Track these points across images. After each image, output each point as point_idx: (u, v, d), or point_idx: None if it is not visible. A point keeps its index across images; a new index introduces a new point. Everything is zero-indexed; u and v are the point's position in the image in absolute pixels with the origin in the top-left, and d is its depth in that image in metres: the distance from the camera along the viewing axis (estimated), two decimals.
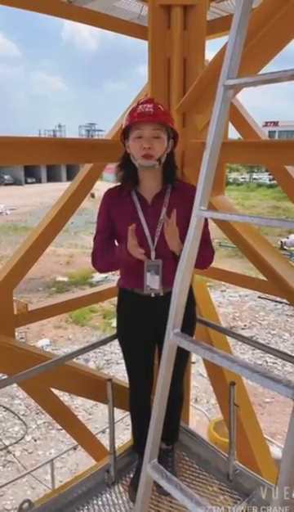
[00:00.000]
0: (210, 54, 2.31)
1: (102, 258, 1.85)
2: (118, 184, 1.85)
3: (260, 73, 1.90)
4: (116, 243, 1.88)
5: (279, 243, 18.34)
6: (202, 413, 6.55)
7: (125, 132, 1.73)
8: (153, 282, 1.77)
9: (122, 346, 2.00)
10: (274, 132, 41.94)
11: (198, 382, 7.82)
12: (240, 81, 1.19)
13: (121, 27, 2.62)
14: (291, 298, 2.16)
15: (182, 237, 1.62)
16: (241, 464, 2.06)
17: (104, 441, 2.85)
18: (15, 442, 6.90)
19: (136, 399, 2.08)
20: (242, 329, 11.16)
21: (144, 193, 1.80)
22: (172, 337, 1.15)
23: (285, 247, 18.22)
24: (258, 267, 2.23)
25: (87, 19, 2.49)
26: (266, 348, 2.05)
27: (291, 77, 1.05)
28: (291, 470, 0.88)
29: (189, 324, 1.91)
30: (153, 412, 1.22)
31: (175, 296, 1.20)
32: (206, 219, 1.69)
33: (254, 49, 1.91)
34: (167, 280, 1.73)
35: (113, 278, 10.91)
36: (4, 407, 7.75)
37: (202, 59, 2.35)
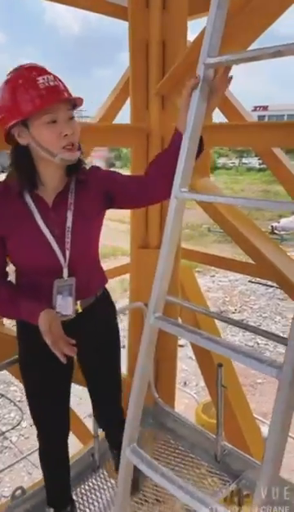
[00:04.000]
0: (194, 36, 2.25)
1: None
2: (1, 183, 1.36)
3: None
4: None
5: (270, 227, 18.40)
6: (192, 396, 6.63)
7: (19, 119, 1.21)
8: (64, 306, 1.39)
9: (26, 386, 1.58)
10: (264, 116, 41.71)
11: (188, 365, 7.87)
12: (221, 59, 1.16)
13: (102, 8, 2.54)
14: (279, 280, 2.17)
15: (90, 241, 1.45)
16: (229, 445, 2.08)
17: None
18: (12, 428, 6.97)
19: (53, 451, 1.70)
20: (233, 313, 11.23)
21: (42, 193, 1.35)
22: (153, 321, 1.14)
23: (275, 231, 18.28)
24: (246, 250, 2.24)
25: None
26: (251, 328, 2.05)
27: (273, 54, 1.02)
28: (276, 448, 0.88)
29: (112, 337, 1.65)
30: (131, 394, 1.19)
31: (158, 280, 1.18)
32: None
33: (238, 27, 1.87)
34: (83, 293, 1.45)
35: None
36: (0, 394, 7.79)
37: (184, 40, 2.30)
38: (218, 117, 2.93)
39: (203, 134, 1.22)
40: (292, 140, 1.92)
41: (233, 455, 2.04)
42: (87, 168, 1.43)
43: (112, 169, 1.62)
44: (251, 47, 1.98)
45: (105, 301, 1.61)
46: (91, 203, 1.40)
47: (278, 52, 1.00)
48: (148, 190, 1.39)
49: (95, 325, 1.54)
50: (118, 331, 1.67)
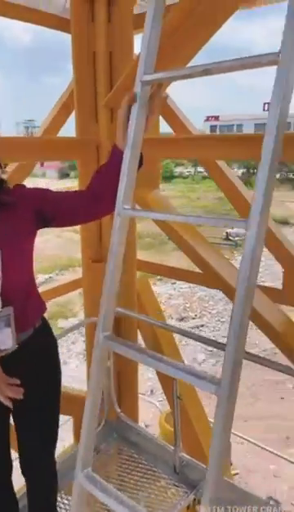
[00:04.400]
0: None
1: None
2: None
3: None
4: None
5: (225, 234, 18.84)
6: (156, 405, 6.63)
7: None
8: (2, 340, 1.27)
9: None
10: (216, 126, 42.80)
11: (154, 373, 7.87)
12: (156, 76, 1.19)
13: (44, 20, 2.52)
14: (223, 287, 2.21)
15: (23, 266, 1.33)
16: (187, 456, 2.08)
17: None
18: None
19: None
20: (193, 319, 11.40)
21: None
22: (102, 340, 1.11)
23: (230, 237, 18.75)
24: (193, 260, 2.28)
25: (8, 12, 2.38)
26: (195, 337, 2.11)
27: (203, 72, 1.06)
28: (219, 455, 0.91)
29: (52, 372, 1.50)
30: (84, 416, 1.14)
31: (105, 299, 1.16)
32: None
33: (177, 43, 1.90)
34: (20, 325, 1.30)
35: None
36: None
37: (131, 53, 2.30)
38: (165, 128, 2.97)
39: (150, 147, 1.22)
40: (231, 152, 1.99)
41: (191, 465, 2.05)
42: (10, 187, 1.33)
43: (56, 183, 1.53)
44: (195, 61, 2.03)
45: (44, 331, 1.46)
46: (20, 225, 1.29)
47: (207, 70, 1.04)
48: (90, 204, 1.32)
49: (34, 359, 1.39)
50: (58, 366, 1.51)
